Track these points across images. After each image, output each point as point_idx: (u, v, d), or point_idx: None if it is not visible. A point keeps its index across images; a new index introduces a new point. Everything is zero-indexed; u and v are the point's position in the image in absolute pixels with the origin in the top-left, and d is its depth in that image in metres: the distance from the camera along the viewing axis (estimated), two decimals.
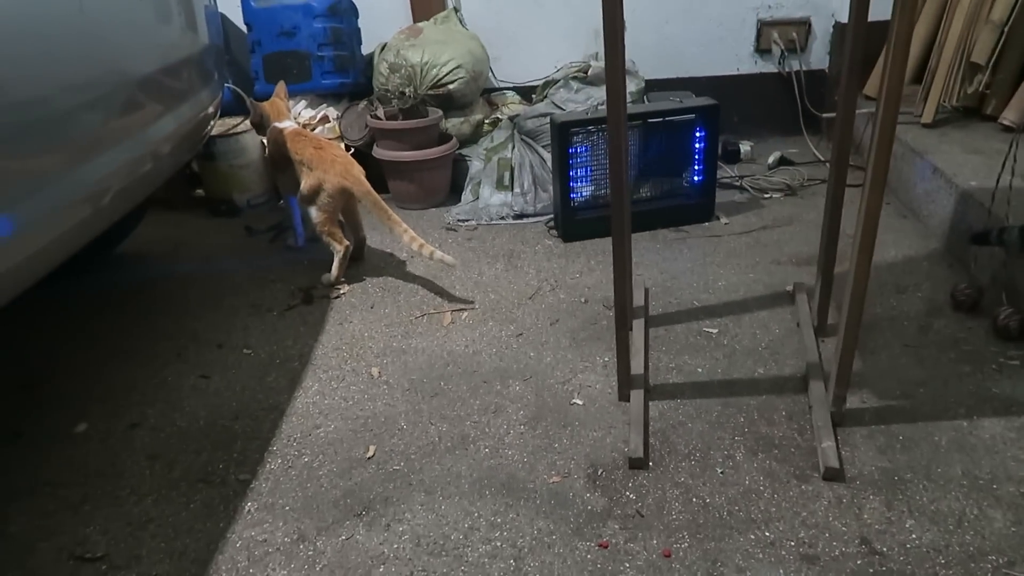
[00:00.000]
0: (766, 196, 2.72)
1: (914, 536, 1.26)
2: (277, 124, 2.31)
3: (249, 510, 1.39)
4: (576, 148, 2.39)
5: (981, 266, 1.95)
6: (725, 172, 2.88)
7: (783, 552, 1.24)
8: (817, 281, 1.86)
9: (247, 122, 2.55)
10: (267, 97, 2.39)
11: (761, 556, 1.24)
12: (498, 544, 1.29)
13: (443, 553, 1.28)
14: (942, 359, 1.72)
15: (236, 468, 1.49)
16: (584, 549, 1.27)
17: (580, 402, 1.66)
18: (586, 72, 2.81)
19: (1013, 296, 1.81)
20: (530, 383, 1.73)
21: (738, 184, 2.81)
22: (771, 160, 2.98)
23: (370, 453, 1.52)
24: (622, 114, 1.39)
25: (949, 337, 1.80)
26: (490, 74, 3.13)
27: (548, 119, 2.48)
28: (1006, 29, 2.44)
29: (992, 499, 1.31)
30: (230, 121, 2.78)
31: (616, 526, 1.32)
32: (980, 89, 2.57)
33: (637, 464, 1.45)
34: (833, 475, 1.38)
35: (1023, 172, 2.10)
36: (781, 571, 1.21)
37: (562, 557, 1.26)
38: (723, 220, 2.55)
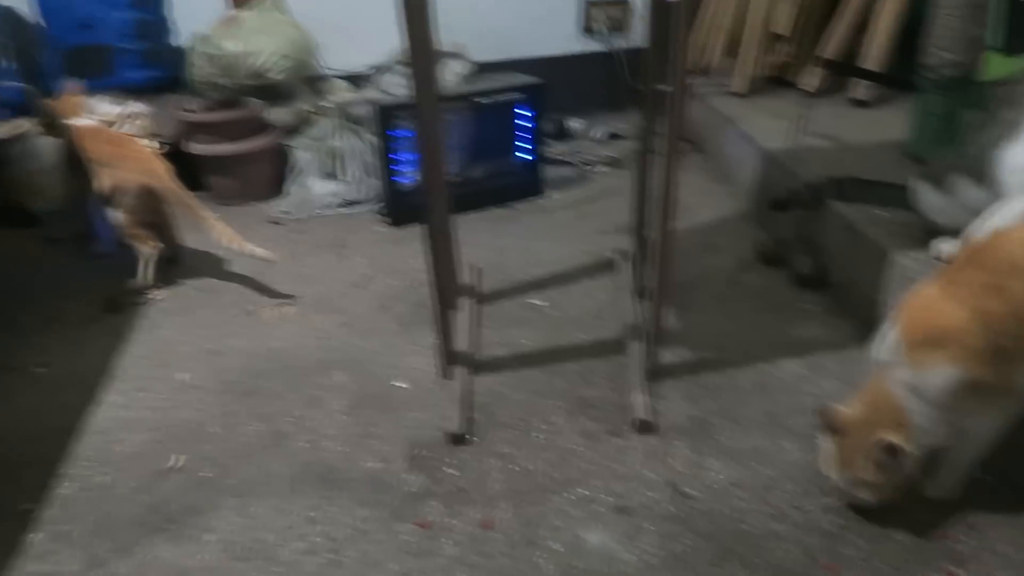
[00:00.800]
0: (594, 170, 2.78)
1: (717, 475, 1.31)
2: (71, 122, 2.13)
3: (34, 542, 1.26)
4: (400, 132, 2.35)
5: (782, 222, 2.07)
6: (556, 149, 2.92)
7: (598, 507, 1.27)
8: (633, 247, 1.91)
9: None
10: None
11: (577, 513, 1.26)
12: (315, 539, 1.25)
13: (254, 557, 1.22)
14: (748, 310, 1.81)
15: (21, 498, 1.35)
16: (403, 531, 1.25)
17: (404, 385, 1.63)
18: None
19: (810, 246, 1.92)
20: (353, 372, 1.68)
21: (568, 160, 2.86)
22: (600, 135, 3.05)
23: (177, 463, 1.42)
24: (432, 95, 1.37)
25: (755, 289, 1.90)
26: (316, 62, 3.02)
27: None
28: (802, 1, 2.60)
29: (786, 432, 1.39)
30: (24, 123, 2.54)
31: (436, 504, 1.30)
32: (784, 58, 2.73)
33: (458, 440, 1.44)
34: (645, 428, 1.42)
35: (817, 132, 2.26)
36: (596, 525, 1.23)
37: (380, 543, 1.23)
38: (552, 195, 2.58)
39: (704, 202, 2.44)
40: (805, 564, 1.13)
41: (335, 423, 1.52)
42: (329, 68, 3.11)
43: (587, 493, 1.30)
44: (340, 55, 3.10)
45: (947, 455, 1.19)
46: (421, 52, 1.31)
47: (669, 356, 1.65)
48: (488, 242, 2.27)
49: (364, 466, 1.40)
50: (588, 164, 2.83)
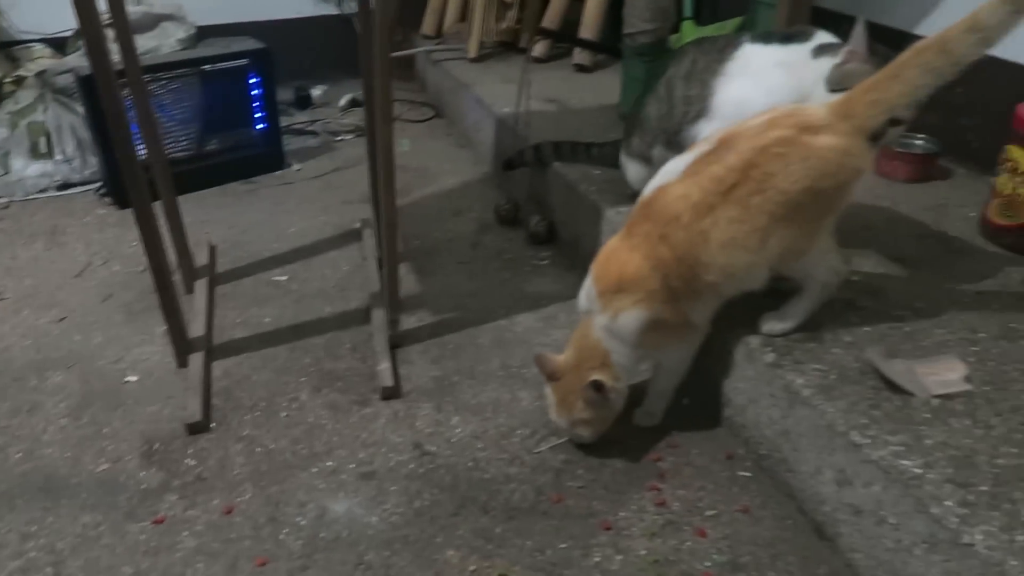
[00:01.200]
0: (338, 139, 2.74)
1: (458, 430, 1.39)
2: None
3: None
4: None
5: (516, 182, 2.19)
6: (297, 118, 2.84)
7: (343, 476, 1.29)
8: (373, 215, 1.92)
9: None
10: None
11: (323, 486, 1.27)
12: (32, 555, 1.15)
13: None
14: (488, 269, 1.91)
15: None
16: (137, 531, 1.19)
17: (135, 378, 1.53)
18: None
19: (540, 206, 2.06)
20: (74, 370, 1.55)
21: (310, 129, 2.79)
22: (343, 102, 3.00)
23: None
24: (106, 66, 1.25)
25: (495, 249, 2.00)
26: (5, 23, 2.67)
27: None
28: None
29: (521, 382, 1.50)
30: None
31: (174, 497, 1.25)
32: (512, 24, 2.85)
33: (197, 428, 1.38)
34: (390, 394, 1.46)
35: (543, 97, 2.40)
36: (341, 494, 1.25)
37: (110, 547, 1.16)
38: (295, 167, 2.52)
39: (448, 167, 2.50)
40: (535, 501, 1.23)
41: (56, 428, 1.40)
42: (24, 31, 2.77)
43: (333, 464, 1.31)
44: (35, 15, 2.76)
45: (649, 387, 1.35)
46: (88, 16, 1.19)
47: (414, 320, 1.70)
48: (228, 219, 2.17)
49: (92, 469, 1.31)
50: (332, 133, 2.78)
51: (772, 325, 1.26)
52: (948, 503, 0.94)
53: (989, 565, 0.87)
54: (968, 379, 1.15)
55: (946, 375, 1.15)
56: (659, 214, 1.16)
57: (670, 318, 1.20)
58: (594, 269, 1.25)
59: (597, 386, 1.20)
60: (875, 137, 1.15)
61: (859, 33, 1.22)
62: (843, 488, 1.09)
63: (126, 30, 1.53)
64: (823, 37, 1.32)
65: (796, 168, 1.09)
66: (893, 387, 1.13)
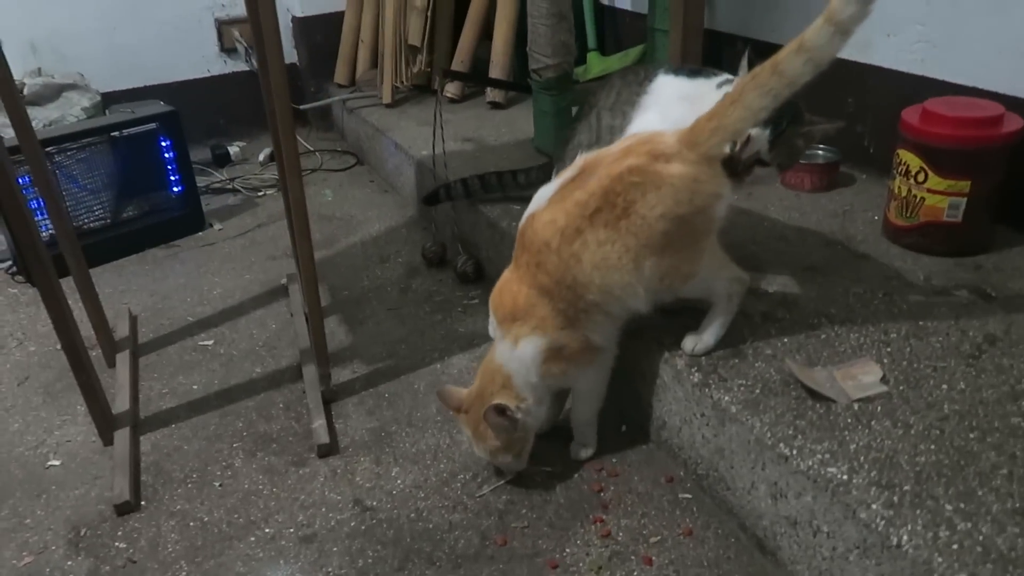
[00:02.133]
0: (260, 195, 2.71)
1: (399, 481, 1.37)
2: None
3: None
4: (21, 178, 2.08)
5: (441, 224, 2.20)
6: (216, 177, 2.80)
7: (283, 542, 1.26)
8: (298, 268, 1.90)
9: None
10: None
11: (262, 555, 1.23)
12: None
13: None
14: (419, 313, 1.90)
15: None
16: None
17: (58, 462, 1.47)
18: (22, 91, 2.47)
19: (466, 245, 2.07)
20: None
21: (230, 187, 2.75)
22: (262, 157, 2.98)
23: None
24: None
25: (424, 292, 2.00)
26: None
27: None
28: (428, 14, 2.75)
29: (460, 426, 1.49)
30: None
31: None
32: (422, 68, 2.87)
33: (125, 509, 1.33)
34: (326, 451, 1.44)
35: (460, 136, 2.42)
36: (281, 562, 1.22)
37: None
38: (216, 227, 2.48)
39: (372, 214, 2.50)
40: (480, 546, 1.22)
41: None
42: None
43: (271, 531, 1.28)
44: None
45: (572, 419, 1.36)
46: None
47: (347, 373, 1.68)
48: (148, 286, 2.12)
49: (15, 564, 1.25)
50: (253, 189, 2.75)
51: (693, 345, 1.29)
52: (874, 506, 0.97)
53: (917, 564, 0.90)
54: (885, 380, 1.19)
55: (863, 378, 1.19)
56: (531, 242, 1.19)
57: (569, 343, 1.22)
58: (492, 299, 1.28)
59: (499, 409, 1.21)
60: (737, 171, 1.21)
61: (744, 65, 1.27)
62: (778, 501, 1.11)
63: (17, 103, 1.49)
64: (729, 76, 1.35)
65: (652, 196, 1.12)
66: (815, 395, 1.17)
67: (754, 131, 1.23)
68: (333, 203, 2.60)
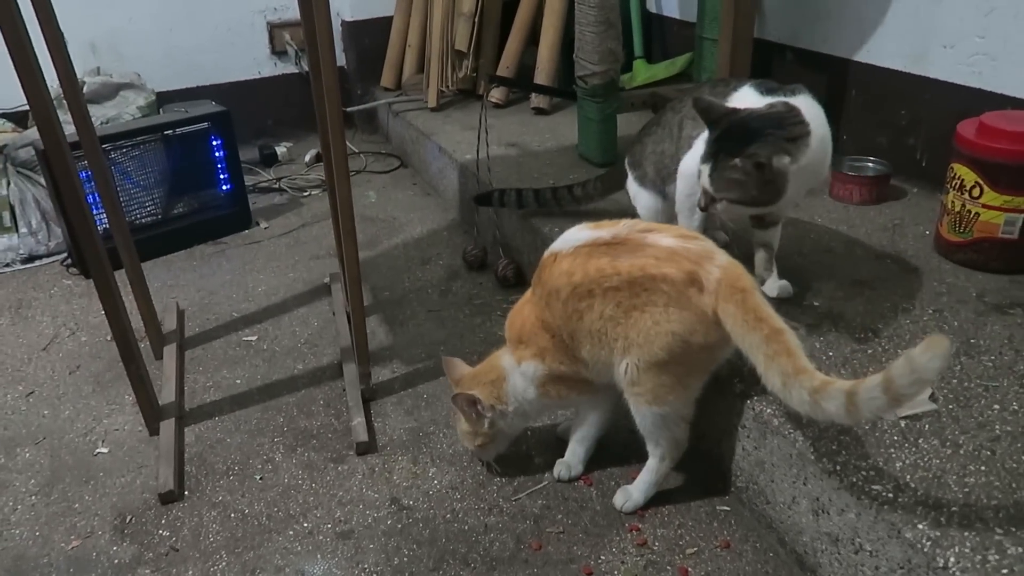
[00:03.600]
0: (305, 194, 2.75)
1: (436, 482, 1.38)
2: None
3: None
4: (82, 173, 2.15)
5: (483, 228, 2.21)
6: (263, 176, 2.85)
7: (321, 537, 1.27)
8: (341, 268, 1.93)
9: None
10: None
11: (300, 549, 1.25)
12: None
13: None
14: (459, 316, 1.91)
15: None
16: None
17: (106, 450, 1.51)
18: (82, 89, 2.54)
19: (507, 249, 2.07)
20: (43, 445, 1.52)
21: (276, 186, 2.80)
22: (308, 158, 3.02)
23: None
24: (57, 138, 1.26)
25: (464, 295, 2.01)
26: None
27: None
28: (476, 20, 2.77)
29: None
30: None
31: (147, 571, 1.23)
32: (468, 73, 2.89)
33: (169, 498, 1.36)
34: (364, 449, 1.45)
35: (504, 141, 2.43)
36: (319, 556, 1.23)
37: None
38: (263, 225, 2.52)
39: (415, 216, 2.52)
40: (515, 549, 1.22)
41: (25, 507, 1.37)
42: None
43: (309, 525, 1.30)
44: None
45: (571, 433, 1.38)
46: (33, 88, 1.19)
47: (387, 372, 1.69)
48: (196, 281, 2.16)
49: (63, 547, 1.28)
50: (299, 189, 2.79)
51: (623, 501, 1.28)
52: (920, 526, 0.95)
53: None
54: (933, 398, 1.16)
55: None
56: (546, 281, 1.21)
57: (567, 375, 1.25)
58: (508, 317, 1.34)
59: (470, 400, 1.26)
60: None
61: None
62: (820, 517, 1.09)
63: (79, 101, 1.54)
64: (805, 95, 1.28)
65: (673, 312, 1.11)
66: None
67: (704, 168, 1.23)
68: (376, 205, 2.63)
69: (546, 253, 1.24)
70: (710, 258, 1.12)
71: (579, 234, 1.21)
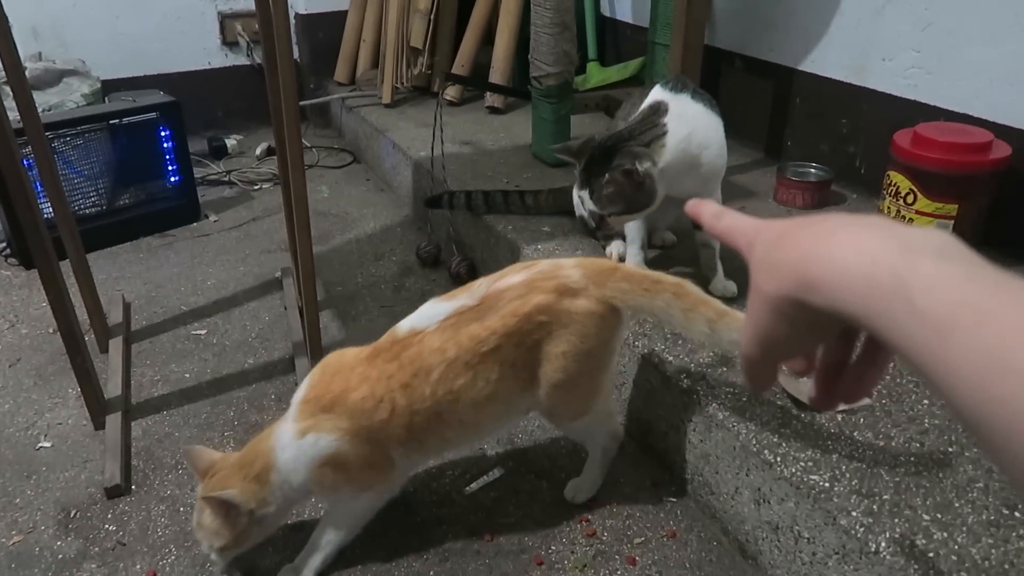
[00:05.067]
0: (256, 188, 2.72)
1: None
2: None
3: None
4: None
5: (436, 225, 2.22)
6: (212, 168, 2.81)
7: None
8: (293, 262, 1.92)
9: None
10: None
11: None
12: None
13: None
14: (410, 312, 1.91)
15: None
16: None
17: (48, 444, 1.48)
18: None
19: (461, 247, 2.09)
20: None
21: (226, 179, 2.76)
22: (259, 151, 2.98)
23: None
24: (4, 123, 1.23)
25: (418, 291, 2.02)
26: None
27: None
28: (431, 17, 2.78)
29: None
30: None
31: (93, 566, 1.21)
32: (424, 70, 2.90)
33: (115, 492, 1.34)
34: None
35: (459, 139, 2.44)
36: (270, 549, 1.23)
37: None
38: (212, 218, 2.49)
39: (368, 212, 2.52)
40: (469, 540, 1.24)
41: None
42: None
43: None
44: None
45: (312, 537, 1.19)
46: None
47: None
48: (142, 274, 2.12)
49: (3, 543, 1.25)
50: (249, 182, 2.76)
51: (573, 494, 1.31)
52: (855, 513, 1.00)
53: (895, 571, 0.93)
54: (869, 394, 1.22)
55: None
56: (410, 362, 1.09)
57: (356, 462, 1.10)
58: (316, 370, 1.16)
59: (222, 504, 1.07)
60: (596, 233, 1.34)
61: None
62: (761, 506, 1.14)
63: (24, 87, 1.50)
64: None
65: (559, 334, 1.10)
66: (800, 405, 1.20)
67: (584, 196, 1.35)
68: (329, 200, 2.62)
69: (401, 329, 1.15)
70: (560, 267, 1.13)
71: (438, 308, 1.14)
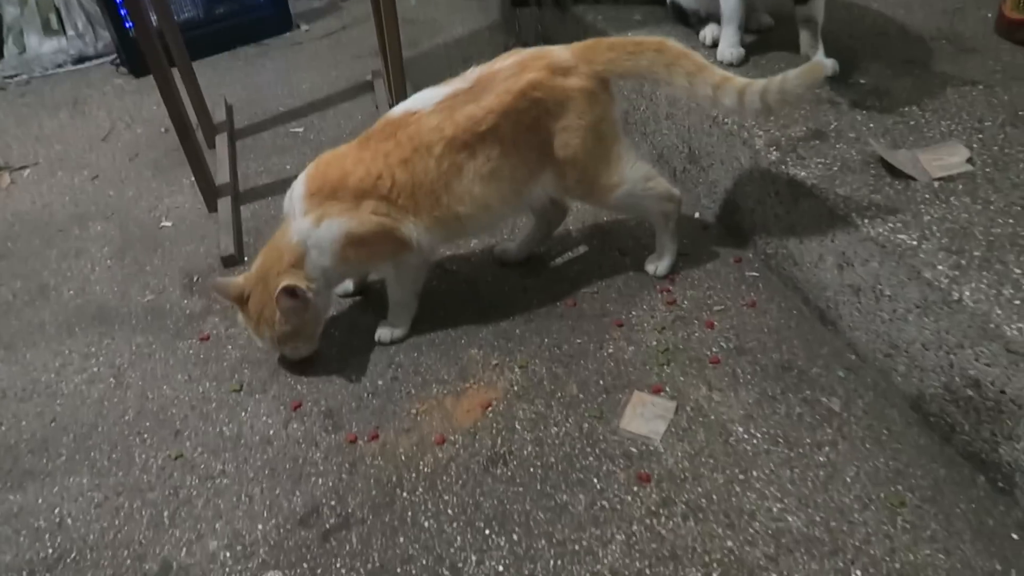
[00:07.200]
0: None
1: (474, 243, 1.44)
2: None
3: None
4: None
5: (524, 25, 2.17)
6: None
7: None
8: (384, 64, 1.93)
9: None
10: None
11: (347, 301, 1.35)
12: (95, 370, 1.26)
13: (34, 396, 1.22)
14: None
15: None
16: (186, 347, 1.29)
17: (169, 223, 1.61)
18: None
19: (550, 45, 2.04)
20: (113, 220, 1.63)
21: None
22: None
23: None
24: None
25: None
26: None
27: None
28: None
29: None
30: None
31: (216, 319, 1.35)
32: None
33: (231, 261, 1.47)
34: None
35: None
36: (371, 311, 1.33)
37: (164, 360, 1.27)
38: (304, 28, 2.51)
39: (456, 18, 2.47)
40: (552, 305, 1.30)
41: (102, 269, 1.49)
42: None
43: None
44: None
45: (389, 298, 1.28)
46: None
47: None
48: (241, 80, 2.19)
49: (139, 300, 1.41)
50: None
51: (654, 268, 1.33)
52: (940, 267, 0.99)
53: (976, 317, 0.93)
54: (971, 162, 1.17)
55: (948, 159, 1.17)
56: (408, 140, 1.12)
57: (371, 238, 1.14)
58: (310, 169, 1.18)
59: (290, 291, 1.11)
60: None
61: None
62: (844, 270, 1.14)
63: None
64: None
65: (556, 111, 1.12)
66: (896, 173, 1.16)
67: None
68: (417, 8, 2.58)
69: (395, 112, 1.17)
70: (550, 50, 1.17)
71: (434, 92, 1.16)
